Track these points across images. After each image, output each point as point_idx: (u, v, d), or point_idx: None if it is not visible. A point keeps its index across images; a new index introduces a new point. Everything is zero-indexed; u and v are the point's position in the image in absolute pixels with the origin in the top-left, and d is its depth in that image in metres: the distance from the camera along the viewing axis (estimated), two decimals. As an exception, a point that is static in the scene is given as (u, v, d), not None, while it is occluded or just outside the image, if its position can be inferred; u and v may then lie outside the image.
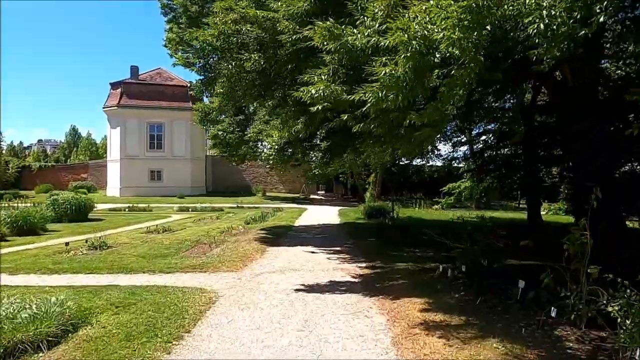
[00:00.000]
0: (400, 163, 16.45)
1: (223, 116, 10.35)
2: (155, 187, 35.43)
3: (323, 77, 4.11)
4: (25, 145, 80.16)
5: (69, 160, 53.72)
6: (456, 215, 21.78)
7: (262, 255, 8.57)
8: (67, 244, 9.08)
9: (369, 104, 3.61)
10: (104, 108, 35.76)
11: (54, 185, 39.70)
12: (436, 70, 3.51)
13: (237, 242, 10.22)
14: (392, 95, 3.42)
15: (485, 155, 16.76)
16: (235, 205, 27.38)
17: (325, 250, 9.37)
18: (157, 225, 13.88)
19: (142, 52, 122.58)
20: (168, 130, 35.81)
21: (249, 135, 8.90)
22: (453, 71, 3.44)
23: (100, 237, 9.90)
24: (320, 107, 4.24)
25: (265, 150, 33.02)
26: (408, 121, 3.94)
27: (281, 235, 11.80)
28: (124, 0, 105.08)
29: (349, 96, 3.91)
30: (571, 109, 8.71)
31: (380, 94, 3.45)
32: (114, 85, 35.96)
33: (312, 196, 39.46)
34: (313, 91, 3.94)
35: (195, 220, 17.43)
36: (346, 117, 4.63)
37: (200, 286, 5.87)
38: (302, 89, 4.13)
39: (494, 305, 4.86)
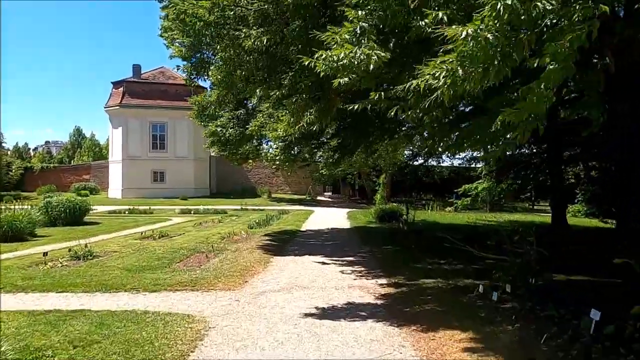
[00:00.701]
0: (414, 163, 15.28)
1: (224, 112, 9.29)
2: (158, 189, 34.54)
3: (347, 36, 2.97)
4: (33, 146, 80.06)
5: (72, 162, 53.10)
6: (471, 217, 20.66)
7: (266, 267, 7.49)
8: (45, 254, 8.04)
9: (441, 89, 2.48)
10: (105, 108, 34.95)
11: (56, 187, 39.08)
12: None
13: (238, 250, 9.15)
14: (475, 73, 2.29)
15: (507, 154, 15.54)
16: (239, 208, 26.38)
17: (337, 260, 8.27)
18: (153, 231, 12.86)
19: (145, 51, 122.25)
20: (171, 130, 34.91)
21: (251, 129, 7.80)
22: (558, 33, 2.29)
23: (86, 245, 8.86)
24: (343, 82, 3.12)
25: (270, 150, 31.94)
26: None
27: (287, 242, 10.72)
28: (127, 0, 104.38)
29: (392, 71, 2.77)
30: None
31: (458, 71, 2.31)
32: (116, 85, 35.15)
33: (318, 198, 38.39)
34: (335, 56, 2.82)
35: (196, 224, 16.41)
36: (377, 96, 3.48)
37: (189, 311, 4.79)
38: (318, 56, 3.01)
39: (565, 344, 3.72)
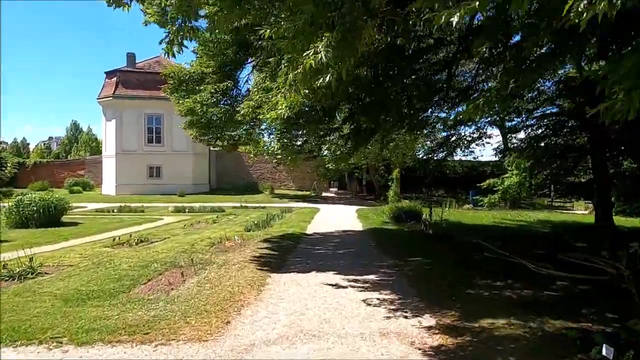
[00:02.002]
0: (435, 157, 13.21)
1: (206, 85, 7.18)
2: (154, 185, 32.60)
3: None
4: (37, 142, 78.34)
5: (69, 157, 51.32)
6: (496, 217, 18.55)
7: (259, 294, 5.44)
8: (-38, 274, 6.05)
9: None
10: (98, 99, 32.97)
11: (50, 183, 37.32)
12: None
13: (226, 265, 7.11)
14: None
15: (541, 144, 13.41)
16: (238, 205, 24.38)
17: (355, 280, 6.21)
18: (130, 235, 10.86)
19: (141, 41, 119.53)
20: (168, 123, 32.86)
21: (243, 112, 5.74)
22: None
23: (31, 259, 6.84)
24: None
25: (272, 143, 29.85)
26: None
27: (289, 251, 8.68)
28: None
29: None
30: None
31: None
32: (109, 75, 33.15)
33: (324, 194, 36.33)
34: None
35: (187, 225, 14.42)
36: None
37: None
38: None
39: None
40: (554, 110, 12.95)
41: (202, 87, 7.06)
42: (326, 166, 30.66)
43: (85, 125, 64.48)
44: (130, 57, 33.62)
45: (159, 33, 5.63)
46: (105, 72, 33.53)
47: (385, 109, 7.89)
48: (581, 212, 26.84)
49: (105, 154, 33.85)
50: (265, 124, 8.59)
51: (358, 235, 11.68)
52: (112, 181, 32.57)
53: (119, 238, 10.30)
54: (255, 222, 13.82)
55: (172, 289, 5.65)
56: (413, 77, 6.99)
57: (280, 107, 4.53)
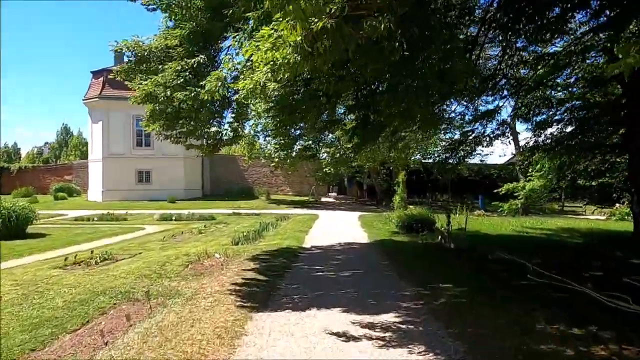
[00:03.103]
0: (442, 157, 11.51)
1: (171, 63, 5.40)
2: (143, 190, 30.81)
3: None
4: (33, 147, 76.32)
5: (59, 161, 49.43)
6: (514, 224, 16.75)
7: (231, 353, 3.66)
8: None
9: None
10: (84, 100, 31.22)
11: (35, 189, 35.46)
12: None
13: (196, 298, 5.33)
14: None
15: (572, 142, 11.66)
16: (231, 212, 22.60)
17: (371, 327, 4.42)
18: (91, 252, 9.05)
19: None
20: (157, 125, 31.04)
21: (209, 86, 3.98)
22: None
23: None
24: None
25: (268, 146, 28.21)
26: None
27: (281, 275, 6.88)
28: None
29: None
30: None
31: None
32: (96, 74, 31.41)
33: (323, 199, 34.56)
34: None
35: (167, 238, 12.62)
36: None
37: None
38: None
39: None
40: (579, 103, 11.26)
41: (166, 67, 5.32)
42: (324, 170, 28.89)
43: (76, 128, 62.40)
44: (118, 55, 31.80)
45: (150, 31, 3.75)
46: (92, 72, 31.81)
47: (402, 96, 6.15)
48: (594, 217, 25.15)
49: (91, 158, 32.05)
50: (251, 112, 6.86)
51: (365, 250, 9.89)
52: (99, 187, 30.75)
53: (75, 257, 8.48)
54: (246, 232, 12.04)
55: (105, 343, 3.87)
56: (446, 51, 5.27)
57: (259, 67, 2.81)
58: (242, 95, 3.65)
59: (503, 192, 15.31)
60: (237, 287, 5.89)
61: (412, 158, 27.42)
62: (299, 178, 36.13)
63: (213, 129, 6.24)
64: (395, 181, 20.58)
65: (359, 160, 23.32)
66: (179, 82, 4.92)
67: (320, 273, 7.15)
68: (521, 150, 11.24)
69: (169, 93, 4.93)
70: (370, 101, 6.95)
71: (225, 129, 6.64)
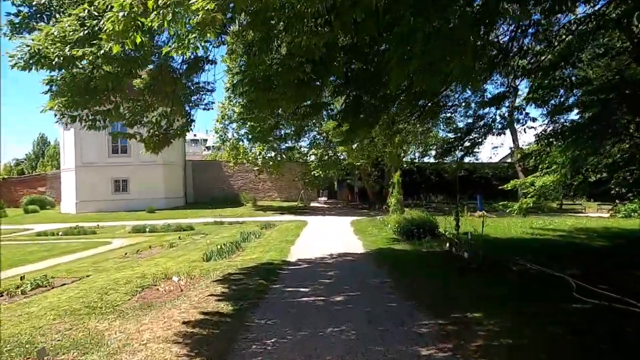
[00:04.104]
0: (444, 149, 10.01)
1: (70, 8, 3.74)
2: (120, 200, 28.82)
3: None
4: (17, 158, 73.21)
5: (35, 172, 46.95)
6: (523, 225, 15.26)
7: None
8: None
9: None
10: (54, 106, 29.14)
11: (5, 202, 33.15)
12: None
13: (121, 352, 3.67)
14: None
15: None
16: (213, 221, 20.83)
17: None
18: (22, 278, 7.30)
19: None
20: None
21: (108, 28, 2.39)
22: None
23: None
24: None
25: (253, 149, 26.66)
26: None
27: (254, 304, 5.23)
28: None
29: None
30: None
31: None
32: (67, 78, 29.41)
33: (312, 204, 32.91)
34: None
35: (131, 253, 10.88)
36: None
37: None
38: None
39: None
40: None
41: (60, 18, 3.66)
42: (313, 173, 27.27)
43: (54, 138, 59.48)
44: (91, 58, 29.99)
45: None
46: (63, 76, 29.80)
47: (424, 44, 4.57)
48: (596, 215, 23.92)
49: (63, 168, 29.96)
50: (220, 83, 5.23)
51: (360, 262, 8.28)
52: (72, 198, 28.66)
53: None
54: (221, 246, 10.34)
55: None
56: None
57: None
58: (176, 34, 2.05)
59: (510, 187, 13.82)
60: (188, 330, 4.22)
61: (409, 152, 25.95)
62: (286, 183, 34.45)
63: (154, 114, 4.57)
64: (390, 182, 19.04)
65: (350, 158, 21.72)
66: (81, 34, 3.29)
67: (306, 299, 5.51)
68: (537, 139, 9.72)
69: (67, 51, 3.29)
70: (366, 71, 5.35)
71: (163, 115, 4.97)
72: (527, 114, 8.95)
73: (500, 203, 15.36)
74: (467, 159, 13.66)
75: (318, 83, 5.96)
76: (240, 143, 28.66)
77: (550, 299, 5.02)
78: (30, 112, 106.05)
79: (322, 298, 5.47)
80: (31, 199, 31.74)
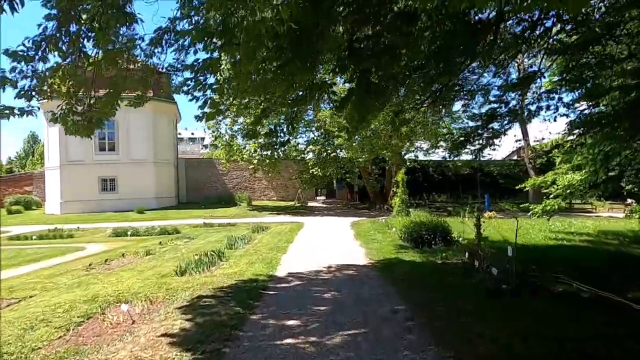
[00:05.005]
0: (461, 140, 8.53)
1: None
2: (108, 200, 27.37)
3: None
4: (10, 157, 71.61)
5: (24, 171, 45.42)
6: (540, 229, 13.80)
7: None
8: None
9: None
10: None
11: (-10, 202, 31.68)
12: None
13: None
14: None
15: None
16: (202, 223, 19.37)
17: None
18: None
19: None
20: (123, 127, 27.78)
21: None
22: None
23: None
24: None
25: (247, 147, 25.19)
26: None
27: (218, 355, 3.77)
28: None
29: None
30: None
31: None
32: (51, 71, 27.88)
33: (310, 204, 31.49)
34: None
35: (98, 264, 9.41)
36: None
37: None
38: None
39: None
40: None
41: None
42: (311, 171, 25.78)
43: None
44: (76, 51, 28.45)
45: None
46: (47, 69, 28.27)
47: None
48: (607, 214, 22.53)
49: (47, 166, 28.46)
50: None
51: (365, 279, 6.81)
52: (57, 198, 27.18)
53: None
54: (201, 255, 8.90)
55: None
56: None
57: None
58: None
59: (527, 187, 12.41)
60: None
61: (414, 147, 24.53)
62: (283, 182, 33.04)
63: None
64: (393, 180, 17.60)
65: (350, 152, 20.21)
66: None
67: (292, 341, 4.05)
68: (568, 129, 8.25)
69: None
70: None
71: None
72: (560, 98, 7.50)
73: (468, 202, 13.91)
74: (469, 157, 12.24)
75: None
76: (235, 140, 27.20)
77: None
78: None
79: (314, 339, 4.02)
80: (16, 199, 30.26)
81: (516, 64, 13.33)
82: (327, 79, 5.35)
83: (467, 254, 7.46)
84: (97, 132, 23.98)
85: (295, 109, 6.05)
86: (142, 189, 28.05)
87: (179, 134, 43.40)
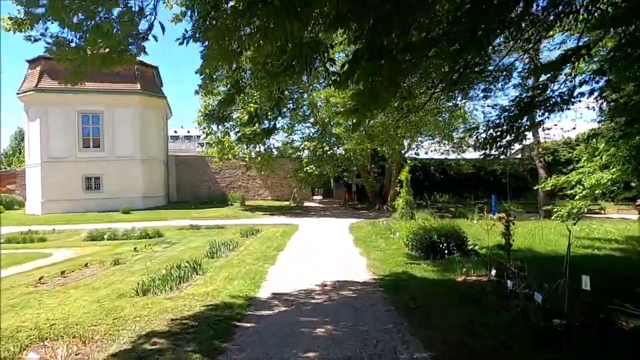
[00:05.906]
0: (489, 136, 7.10)
1: None
2: (92, 200, 25.83)
3: None
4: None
5: (10, 169, 43.76)
6: (560, 233, 12.43)
7: None
8: None
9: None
10: (18, 93, 26.05)
11: (-29, 202, 30.08)
12: None
13: None
14: None
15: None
16: (189, 225, 17.92)
17: None
18: None
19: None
20: (108, 122, 26.28)
21: None
22: None
23: None
24: None
25: (233, 135, 23.52)
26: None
27: None
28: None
29: None
30: None
31: None
32: (32, 63, 26.31)
33: (306, 203, 30.07)
34: None
35: (52, 276, 7.98)
36: None
37: None
38: None
39: None
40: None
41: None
42: (306, 169, 24.33)
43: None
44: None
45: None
46: (27, 61, 26.73)
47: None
48: (618, 216, 21.23)
49: (28, 163, 26.88)
50: None
51: (369, 304, 5.41)
52: (38, 197, 25.65)
53: None
54: (174, 268, 7.49)
55: None
56: None
57: None
58: None
59: (548, 188, 11.05)
60: None
61: (400, 153, 23.29)
62: (278, 180, 31.61)
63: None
64: (396, 179, 16.21)
65: (348, 143, 18.76)
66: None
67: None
68: (608, 117, 6.88)
69: None
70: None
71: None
72: (608, 80, 6.11)
73: (471, 203, 12.59)
74: (471, 155, 10.82)
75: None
76: (227, 137, 25.78)
77: None
78: (9, 106, 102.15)
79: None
80: (-4, 198, 28.69)
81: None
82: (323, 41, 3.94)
83: (493, 271, 6.06)
84: (80, 127, 22.43)
85: (280, 87, 4.65)
86: (129, 187, 26.55)
87: (175, 132, 41.92)
